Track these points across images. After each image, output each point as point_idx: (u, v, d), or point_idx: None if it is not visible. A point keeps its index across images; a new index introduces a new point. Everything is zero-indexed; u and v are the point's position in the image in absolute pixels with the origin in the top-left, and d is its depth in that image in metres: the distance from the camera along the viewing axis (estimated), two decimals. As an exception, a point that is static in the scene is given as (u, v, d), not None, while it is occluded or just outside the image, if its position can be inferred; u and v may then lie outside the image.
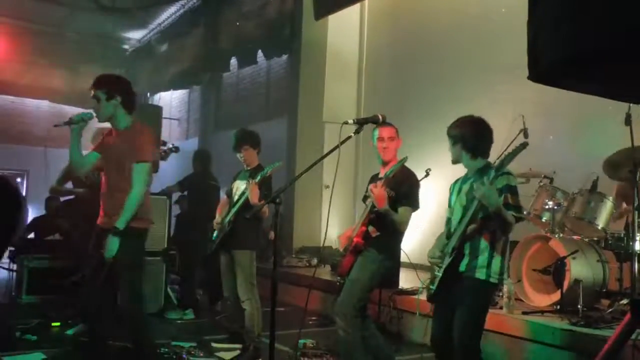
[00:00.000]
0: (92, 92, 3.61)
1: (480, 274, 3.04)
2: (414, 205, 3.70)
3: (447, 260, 3.07)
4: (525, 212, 3.09)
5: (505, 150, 5.52)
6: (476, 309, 3.08)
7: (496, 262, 3.06)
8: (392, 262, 3.85)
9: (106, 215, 3.64)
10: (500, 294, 4.83)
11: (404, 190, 3.67)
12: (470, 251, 3.05)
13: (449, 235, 3.19)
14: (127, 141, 3.60)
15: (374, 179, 3.89)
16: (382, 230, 3.69)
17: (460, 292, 3.04)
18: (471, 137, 3.22)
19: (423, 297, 4.16)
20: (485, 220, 3.03)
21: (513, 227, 3.02)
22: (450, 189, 3.37)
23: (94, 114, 3.64)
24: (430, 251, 3.24)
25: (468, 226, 3.04)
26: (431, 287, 3.16)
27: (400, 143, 3.84)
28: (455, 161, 3.30)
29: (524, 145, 3.01)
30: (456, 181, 3.36)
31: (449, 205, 3.33)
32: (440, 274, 3.09)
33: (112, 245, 3.43)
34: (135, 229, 3.55)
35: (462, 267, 3.06)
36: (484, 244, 3.06)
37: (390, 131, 3.78)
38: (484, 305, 3.16)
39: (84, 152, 3.75)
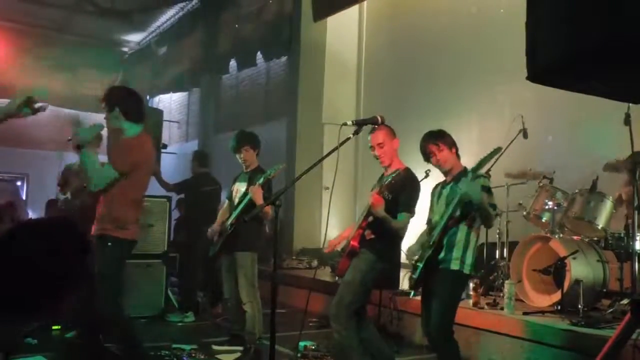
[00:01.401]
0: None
1: (455, 265, 3.35)
2: (411, 211, 3.70)
3: (429, 252, 3.37)
4: (499, 210, 3.58)
5: (504, 150, 5.55)
6: (450, 297, 3.40)
7: (469, 254, 3.38)
8: (386, 265, 3.83)
9: (98, 222, 3.62)
10: (501, 295, 4.83)
11: (403, 196, 3.66)
12: (447, 244, 3.36)
13: (430, 232, 3.50)
14: (120, 149, 3.65)
15: (381, 179, 3.92)
16: (379, 234, 3.69)
17: (437, 282, 3.36)
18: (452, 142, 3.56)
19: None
20: (462, 217, 3.36)
21: (493, 220, 3.38)
22: (431, 193, 3.68)
23: (104, 125, 3.74)
24: (412, 246, 3.59)
25: (448, 222, 3.33)
26: (413, 276, 3.46)
27: (397, 143, 3.81)
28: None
29: (497, 150, 3.39)
30: (436, 186, 3.67)
31: (431, 208, 3.65)
32: (421, 265, 3.39)
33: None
34: (117, 238, 3.56)
35: (440, 257, 3.37)
36: (459, 237, 3.37)
37: (379, 137, 3.75)
38: (457, 293, 3.49)
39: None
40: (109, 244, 3.54)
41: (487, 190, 3.34)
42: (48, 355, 4.44)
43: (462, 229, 3.37)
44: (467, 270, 3.38)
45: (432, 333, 3.39)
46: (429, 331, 3.45)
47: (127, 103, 3.72)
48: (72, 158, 5.82)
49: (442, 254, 3.35)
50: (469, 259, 3.37)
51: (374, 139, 3.76)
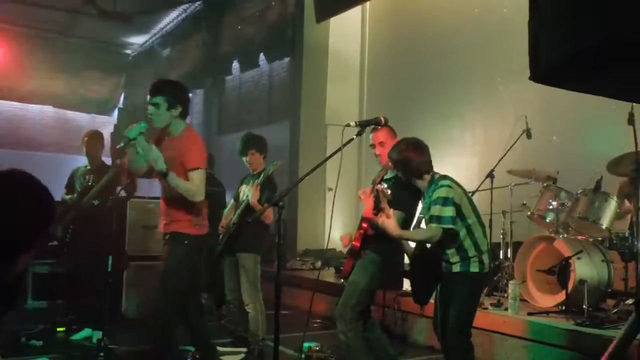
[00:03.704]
0: (150, 97, 3.50)
1: (474, 267, 3.26)
2: (406, 210, 3.66)
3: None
4: (447, 225, 3.21)
5: (508, 150, 5.55)
6: (471, 300, 3.34)
7: (484, 250, 3.29)
8: (391, 265, 3.82)
9: (165, 222, 3.65)
10: (505, 295, 4.82)
11: (399, 194, 3.64)
12: (457, 247, 3.26)
13: None
14: (177, 148, 3.55)
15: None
16: (383, 234, 3.67)
17: (457, 285, 3.27)
18: (409, 167, 3.42)
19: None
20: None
21: (434, 238, 3.22)
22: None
23: (148, 119, 3.51)
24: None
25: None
26: None
27: None
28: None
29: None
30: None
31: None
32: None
33: (142, 143, 3.33)
34: (191, 235, 3.58)
35: (457, 267, 3.27)
36: (463, 237, 3.26)
37: (379, 136, 3.76)
38: (477, 295, 3.48)
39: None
40: (185, 241, 3.53)
41: (436, 201, 3.20)
42: (53, 357, 4.45)
43: (461, 228, 3.26)
44: (487, 268, 3.32)
45: (450, 338, 3.28)
46: (444, 335, 3.36)
47: (187, 101, 3.63)
48: (79, 161, 5.86)
49: (456, 258, 3.27)
50: (485, 256, 3.29)
51: (375, 138, 3.77)
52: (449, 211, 3.19)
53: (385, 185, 3.32)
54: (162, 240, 3.69)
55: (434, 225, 3.20)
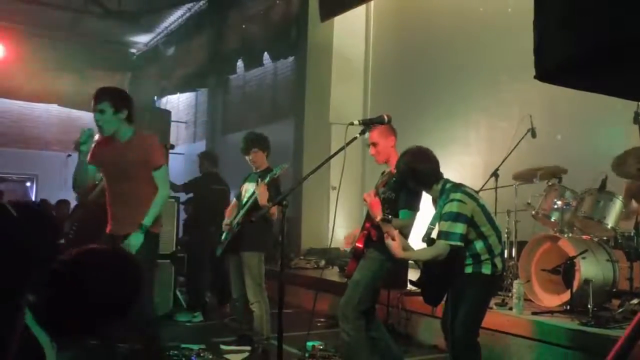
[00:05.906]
0: (95, 104, 3.54)
1: (486, 269, 3.24)
2: (413, 207, 3.66)
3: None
4: (456, 242, 3.15)
5: (513, 149, 5.53)
6: (478, 302, 3.33)
7: (498, 259, 3.28)
8: (394, 264, 3.80)
9: (119, 223, 3.67)
10: (510, 295, 4.81)
11: (403, 193, 3.64)
12: (470, 253, 3.25)
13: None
14: (136, 151, 3.62)
15: (384, 174, 3.91)
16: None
17: (466, 287, 3.25)
18: (417, 178, 3.40)
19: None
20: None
21: (440, 256, 3.17)
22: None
23: (97, 128, 3.60)
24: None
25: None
26: None
27: (392, 141, 3.77)
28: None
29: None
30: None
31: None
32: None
33: (136, 240, 3.50)
34: (151, 232, 3.63)
35: (469, 268, 3.25)
36: (479, 246, 3.24)
37: (373, 135, 3.74)
38: (487, 298, 3.47)
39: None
40: (149, 239, 3.61)
41: (445, 217, 3.16)
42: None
43: (473, 234, 3.24)
44: (499, 271, 3.30)
45: (458, 338, 3.26)
46: (450, 335, 3.34)
47: (132, 106, 3.69)
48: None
49: (469, 260, 3.25)
50: (498, 259, 3.26)
51: (369, 138, 3.77)
52: (459, 228, 3.13)
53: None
54: (109, 242, 3.60)
55: (442, 242, 3.15)
